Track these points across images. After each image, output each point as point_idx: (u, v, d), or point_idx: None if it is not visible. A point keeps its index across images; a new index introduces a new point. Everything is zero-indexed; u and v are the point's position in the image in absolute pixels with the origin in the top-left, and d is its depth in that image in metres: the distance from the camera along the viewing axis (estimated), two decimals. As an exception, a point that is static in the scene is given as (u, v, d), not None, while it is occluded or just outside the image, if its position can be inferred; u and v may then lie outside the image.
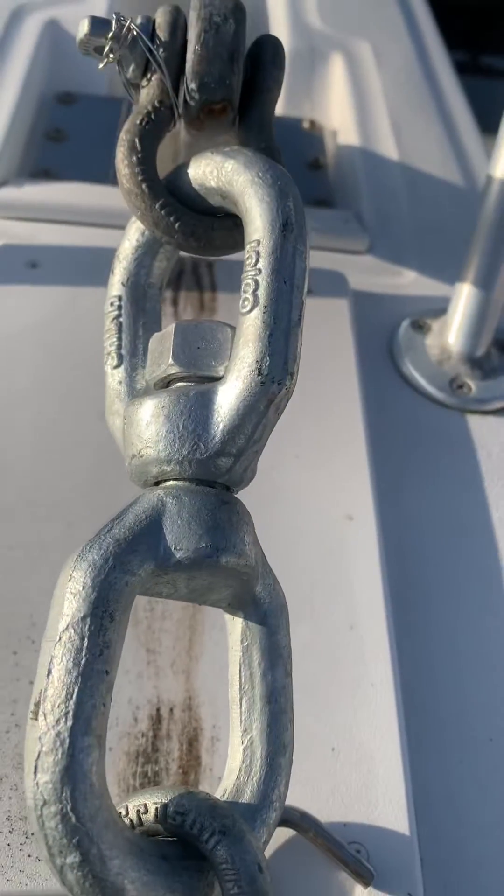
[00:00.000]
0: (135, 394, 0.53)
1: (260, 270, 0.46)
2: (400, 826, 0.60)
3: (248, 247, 0.47)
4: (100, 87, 1.32)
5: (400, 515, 0.81)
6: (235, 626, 0.49)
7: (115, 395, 0.54)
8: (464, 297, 0.92)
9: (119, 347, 0.54)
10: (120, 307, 0.55)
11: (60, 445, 0.79)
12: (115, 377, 0.54)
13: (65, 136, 1.22)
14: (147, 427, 0.46)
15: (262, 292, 0.46)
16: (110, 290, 0.56)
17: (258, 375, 0.45)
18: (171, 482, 0.47)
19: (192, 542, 0.43)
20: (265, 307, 0.45)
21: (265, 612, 0.49)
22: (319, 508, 0.77)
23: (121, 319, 0.55)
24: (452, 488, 0.85)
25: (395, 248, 1.08)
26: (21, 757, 0.61)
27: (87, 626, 0.40)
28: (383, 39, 1.42)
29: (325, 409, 0.84)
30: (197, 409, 0.46)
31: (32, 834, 0.57)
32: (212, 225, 0.53)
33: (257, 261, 0.46)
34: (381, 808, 0.61)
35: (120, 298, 0.55)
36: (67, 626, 0.40)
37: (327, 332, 0.91)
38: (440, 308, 0.98)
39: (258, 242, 0.47)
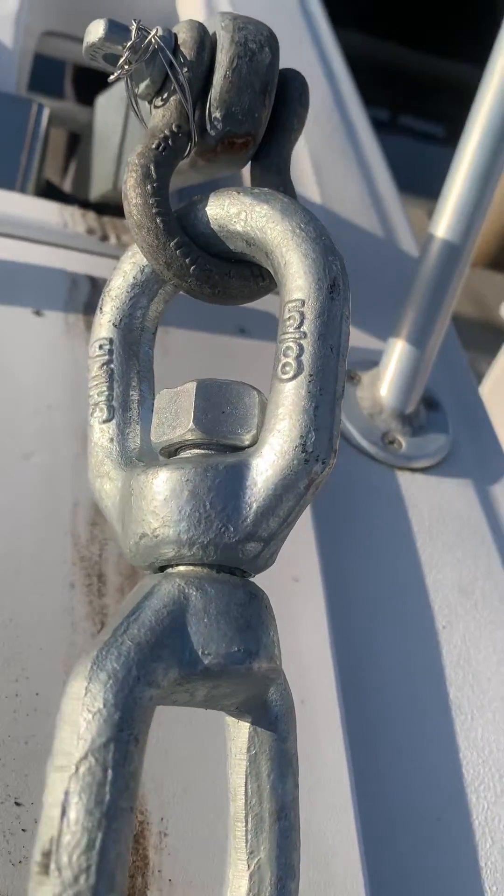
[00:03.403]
0: (127, 454, 0.46)
1: (305, 334, 0.41)
2: None
3: (287, 306, 0.42)
4: (8, 85, 1.21)
5: (343, 575, 0.78)
6: (241, 731, 0.43)
7: (104, 453, 0.46)
8: (397, 352, 0.91)
9: (110, 398, 0.46)
10: (111, 351, 0.47)
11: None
12: (104, 433, 0.46)
13: None
14: (165, 503, 0.40)
15: (306, 359, 0.41)
16: (98, 330, 0.48)
17: (302, 452, 0.39)
18: (184, 567, 0.40)
19: (222, 645, 0.37)
20: (311, 376, 0.40)
21: (276, 716, 0.43)
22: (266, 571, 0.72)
23: (112, 366, 0.47)
24: (390, 548, 0.83)
25: None
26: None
27: (110, 755, 0.33)
28: None
29: None
30: (227, 485, 0.39)
31: None
32: (228, 272, 0.47)
33: (301, 323, 0.41)
34: None
35: (111, 342, 0.47)
36: (86, 753, 0.32)
37: None
38: (370, 360, 0.97)
39: (302, 303, 0.42)
